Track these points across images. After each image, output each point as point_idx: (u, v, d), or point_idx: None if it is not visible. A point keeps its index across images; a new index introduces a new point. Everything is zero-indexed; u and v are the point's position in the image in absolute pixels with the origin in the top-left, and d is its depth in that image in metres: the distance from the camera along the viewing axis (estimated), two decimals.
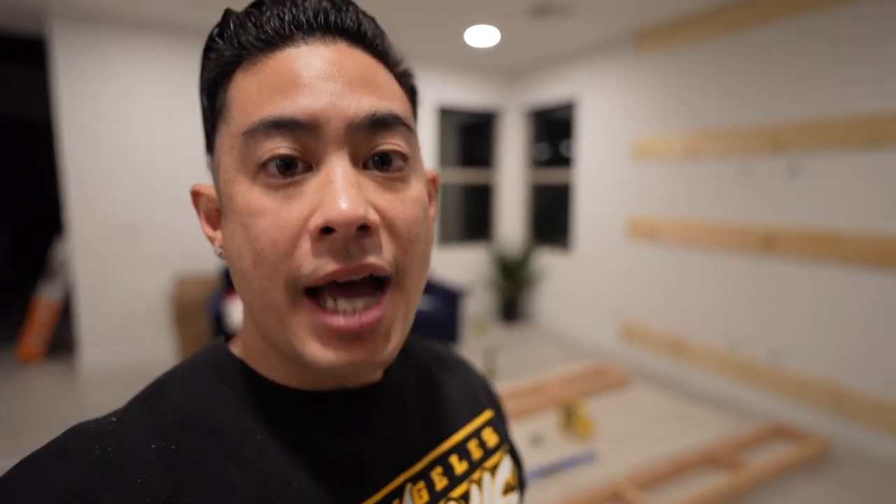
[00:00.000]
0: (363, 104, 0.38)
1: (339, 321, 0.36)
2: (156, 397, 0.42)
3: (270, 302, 0.37)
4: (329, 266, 0.36)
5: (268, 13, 0.39)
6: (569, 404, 3.02)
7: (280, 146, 0.36)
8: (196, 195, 0.45)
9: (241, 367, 0.45)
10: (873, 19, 2.80)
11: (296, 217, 0.36)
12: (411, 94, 0.47)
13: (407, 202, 0.40)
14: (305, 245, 0.36)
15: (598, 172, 4.69)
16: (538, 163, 5.71)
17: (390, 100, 0.40)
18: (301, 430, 0.42)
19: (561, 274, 5.23)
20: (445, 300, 4.36)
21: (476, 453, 0.53)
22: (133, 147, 4.00)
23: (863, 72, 2.86)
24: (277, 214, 0.36)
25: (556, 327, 5.31)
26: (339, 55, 0.39)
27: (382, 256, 0.37)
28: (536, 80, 5.39)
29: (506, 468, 0.56)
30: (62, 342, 4.41)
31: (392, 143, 0.39)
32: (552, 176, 5.42)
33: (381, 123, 0.39)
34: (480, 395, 0.61)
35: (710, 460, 2.70)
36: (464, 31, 4.13)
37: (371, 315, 0.37)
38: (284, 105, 0.36)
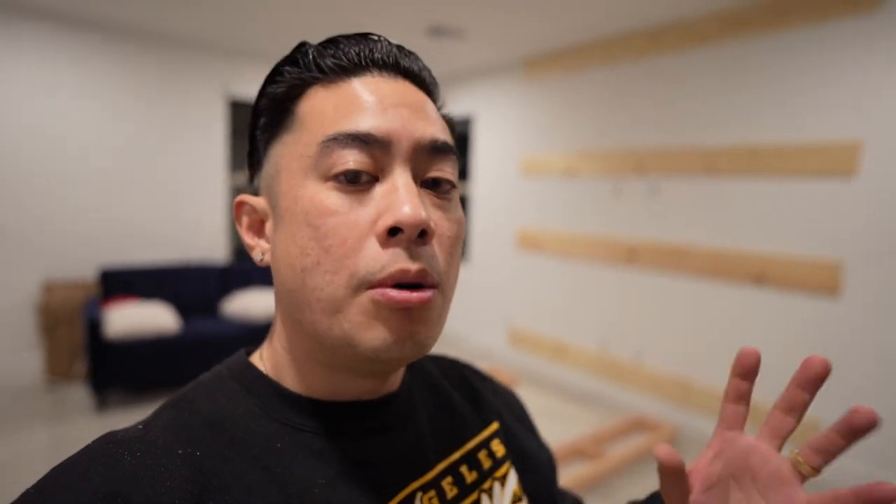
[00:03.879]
0: (427, 131, 0.43)
1: (401, 294, 0.39)
2: (182, 405, 0.45)
3: (331, 294, 0.40)
4: (395, 265, 0.39)
5: (346, 47, 0.45)
6: None
7: (354, 157, 0.40)
8: (241, 205, 0.48)
9: (263, 377, 0.47)
10: (715, 66, 3.26)
11: (364, 219, 0.40)
12: (451, 131, 0.53)
13: (453, 221, 0.45)
14: (372, 245, 0.39)
15: (491, 186, 4.97)
16: None
17: (444, 133, 0.46)
18: (320, 439, 0.45)
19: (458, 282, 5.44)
20: None
21: (486, 463, 0.55)
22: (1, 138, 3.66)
23: (705, 110, 3.32)
24: (347, 216, 0.40)
25: (451, 334, 5.52)
26: (405, 89, 0.45)
27: (434, 266, 0.41)
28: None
29: (513, 479, 0.57)
30: None
31: (445, 169, 0.45)
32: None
33: (440, 150, 0.44)
34: (488, 406, 0.62)
35: (577, 452, 2.98)
36: None
37: (426, 294, 0.40)
38: (361, 122, 0.41)
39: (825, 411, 2.87)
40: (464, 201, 5.43)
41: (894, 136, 2.59)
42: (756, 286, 3.11)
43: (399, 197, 0.39)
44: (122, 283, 3.81)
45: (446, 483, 0.50)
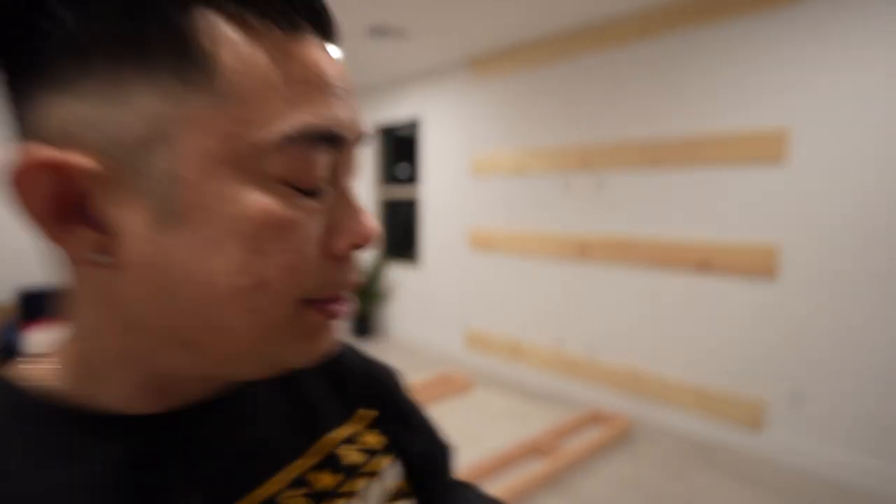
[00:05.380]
0: (365, 122, 0.37)
1: (340, 306, 0.37)
2: None
3: (273, 317, 0.33)
4: (344, 279, 0.37)
5: None
6: None
7: (324, 163, 0.33)
8: (41, 168, 0.28)
9: (45, 395, 0.35)
10: (654, 60, 3.33)
11: (317, 232, 0.34)
12: None
13: None
14: (324, 260, 0.35)
15: (442, 188, 4.93)
16: (394, 179, 5.83)
17: None
18: (124, 462, 0.34)
19: (411, 287, 5.37)
20: None
21: (353, 459, 0.47)
22: None
23: (645, 104, 3.38)
24: (303, 229, 0.33)
25: (407, 340, 5.42)
26: (338, 61, 0.36)
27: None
28: (384, 99, 5.53)
29: (394, 472, 0.50)
30: None
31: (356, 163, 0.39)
32: (403, 192, 5.57)
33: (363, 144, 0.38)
34: (359, 392, 0.53)
35: (534, 450, 2.94)
36: None
37: (347, 306, 0.38)
38: (332, 113, 0.33)
39: (769, 392, 2.96)
40: (414, 204, 5.37)
41: (820, 123, 2.69)
42: (700, 273, 3.17)
43: (357, 210, 0.36)
44: (42, 306, 3.55)
45: (291, 497, 0.41)
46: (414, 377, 4.28)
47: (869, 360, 2.58)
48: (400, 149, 5.77)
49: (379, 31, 3.76)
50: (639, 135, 3.43)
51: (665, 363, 3.38)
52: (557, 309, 4.01)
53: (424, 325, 5.24)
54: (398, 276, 5.52)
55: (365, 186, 5.86)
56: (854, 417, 2.63)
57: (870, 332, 2.57)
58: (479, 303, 4.64)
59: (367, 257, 5.88)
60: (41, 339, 3.10)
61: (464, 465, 2.78)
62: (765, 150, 2.87)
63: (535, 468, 2.65)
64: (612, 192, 3.60)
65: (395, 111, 5.39)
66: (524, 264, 4.22)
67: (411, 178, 5.54)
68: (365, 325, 5.57)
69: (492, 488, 2.56)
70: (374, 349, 5.16)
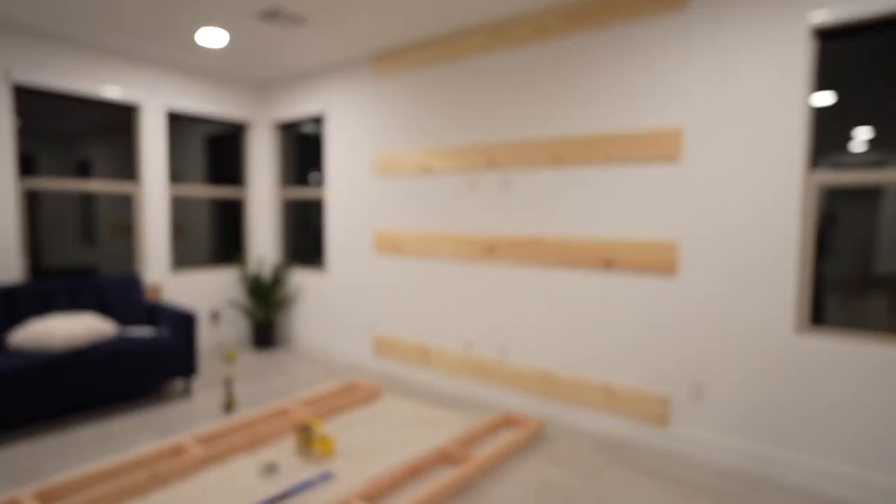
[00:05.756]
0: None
1: None
2: None
3: None
4: None
5: None
6: (303, 427, 2.81)
7: None
8: None
9: None
10: (556, 59, 3.33)
11: None
12: None
13: None
14: None
15: (346, 188, 4.68)
16: (298, 180, 5.48)
17: None
18: None
19: (316, 293, 5.04)
20: (175, 327, 3.78)
21: None
22: None
23: (549, 102, 3.37)
24: None
25: (314, 348, 5.08)
26: None
27: None
28: (286, 94, 5.20)
29: None
30: None
31: None
32: (306, 193, 5.24)
33: None
34: None
35: (443, 458, 2.77)
36: (196, 32, 3.73)
37: None
38: None
39: (672, 387, 3.02)
40: (319, 206, 5.07)
41: (710, 123, 2.79)
42: (604, 271, 3.18)
43: None
44: None
45: None
46: (320, 387, 3.98)
47: (762, 348, 2.68)
48: (307, 149, 5.44)
49: (272, 15, 3.47)
50: (541, 133, 3.42)
51: (573, 363, 3.36)
52: (465, 311, 3.90)
53: (331, 332, 4.93)
54: (303, 281, 5.17)
55: (266, 187, 5.47)
56: (752, 406, 2.72)
57: (761, 323, 2.68)
58: (386, 307, 4.43)
59: (267, 264, 5.48)
60: None
61: (370, 476, 2.54)
62: (660, 148, 2.94)
63: (444, 477, 2.48)
64: (518, 191, 3.55)
65: (297, 107, 5.08)
66: (431, 266, 4.08)
67: (318, 181, 5.23)
68: (268, 334, 5.16)
69: (400, 500, 2.35)
70: (278, 359, 4.78)
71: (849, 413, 2.46)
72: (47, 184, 4.07)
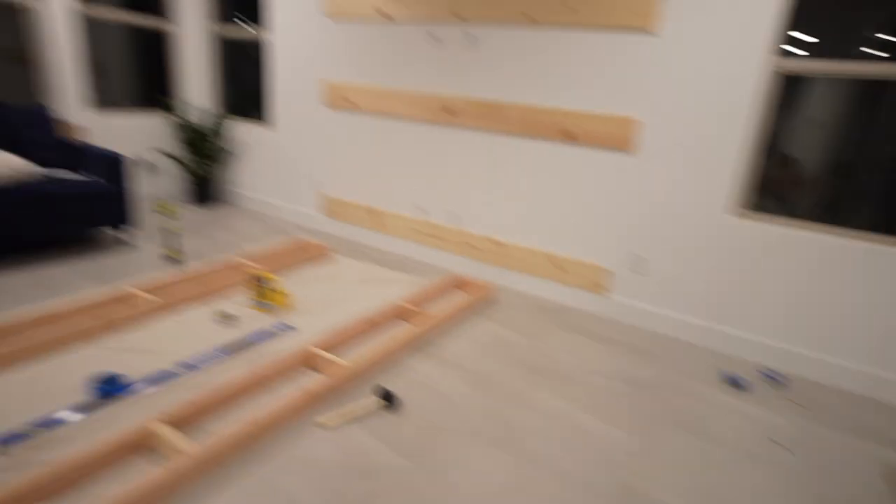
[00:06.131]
0: None
1: None
2: None
3: None
4: None
5: None
6: (258, 279, 2.79)
7: None
8: None
9: None
10: None
11: None
12: None
13: None
14: None
15: (292, 32, 4.21)
16: (239, 19, 4.83)
17: None
18: None
19: (262, 149, 4.74)
20: (103, 170, 3.46)
21: None
22: None
23: None
24: None
25: (258, 206, 4.91)
26: None
27: None
28: None
29: None
30: None
31: None
32: (246, 32, 4.67)
33: None
34: None
35: (399, 314, 2.88)
36: None
37: None
38: None
39: (613, 257, 3.21)
40: (260, 49, 4.57)
41: None
42: (565, 143, 3.18)
43: None
44: None
45: None
46: (268, 244, 3.91)
47: (701, 228, 2.87)
48: None
49: None
50: None
51: (525, 232, 3.47)
52: (420, 175, 3.83)
53: (276, 190, 4.74)
54: (246, 134, 4.81)
55: (197, 21, 4.81)
56: (689, 281, 2.98)
57: (704, 205, 2.84)
58: (337, 166, 4.27)
59: (202, 113, 5.02)
60: None
61: (328, 327, 2.63)
62: (637, 16, 2.80)
63: (400, 331, 2.60)
64: (482, 50, 3.34)
65: None
66: (385, 125, 3.89)
67: (256, 19, 4.64)
68: (207, 189, 4.88)
69: (360, 350, 2.46)
70: (220, 216, 4.59)
71: (777, 293, 2.76)
72: None
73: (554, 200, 3.30)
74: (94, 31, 4.35)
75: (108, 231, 3.86)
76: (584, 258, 3.28)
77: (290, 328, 2.63)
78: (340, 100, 4.06)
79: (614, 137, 3.01)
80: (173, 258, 3.36)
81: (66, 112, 4.12)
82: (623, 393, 2.37)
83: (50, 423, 1.75)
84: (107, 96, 4.57)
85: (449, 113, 3.55)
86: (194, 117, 4.96)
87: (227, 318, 2.64)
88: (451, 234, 3.78)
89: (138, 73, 4.90)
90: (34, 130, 3.54)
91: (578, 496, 1.69)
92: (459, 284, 3.45)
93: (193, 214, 4.58)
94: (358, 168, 4.15)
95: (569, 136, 3.14)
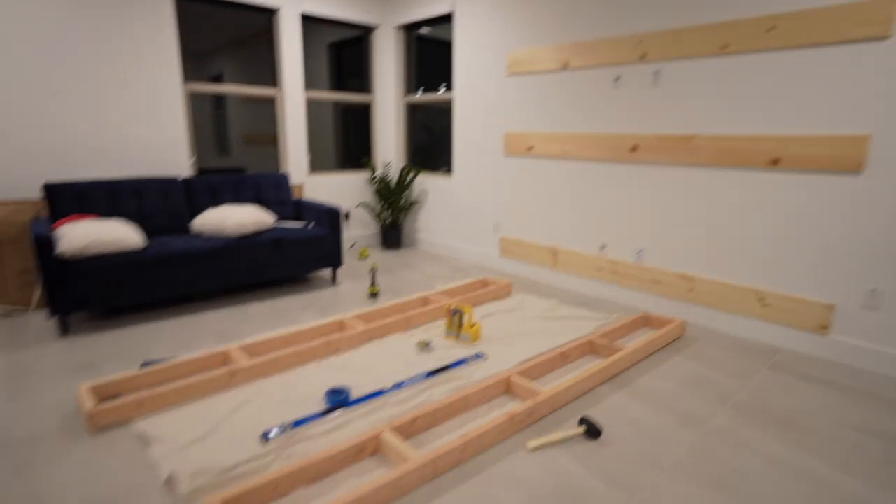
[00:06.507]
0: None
1: None
2: None
3: None
4: None
5: None
6: (455, 312, 2.98)
7: None
8: None
9: None
10: None
11: None
12: None
13: None
14: None
15: (475, 90, 4.60)
16: (418, 85, 5.47)
17: None
18: None
19: (443, 197, 5.16)
20: (324, 222, 4.07)
21: None
22: None
23: None
24: None
25: (439, 249, 5.29)
26: None
27: None
28: None
29: None
30: None
31: None
32: (433, 97, 5.23)
33: None
34: None
35: (589, 348, 2.84)
36: None
37: None
38: None
39: (837, 292, 2.76)
40: (447, 108, 5.05)
41: None
42: (768, 170, 2.92)
43: None
44: (73, 201, 3.40)
45: None
46: (453, 282, 4.18)
47: None
48: (427, 52, 5.36)
49: None
50: (705, 19, 3.07)
51: (719, 267, 3.21)
52: (600, 213, 3.81)
53: (458, 234, 5.08)
54: (430, 185, 5.30)
55: (391, 91, 5.52)
56: None
57: None
58: (515, 209, 4.45)
59: (392, 168, 5.65)
60: (72, 228, 2.96)
61: (519, 358, 2.69)
62: (861, 26, 2.53)
63: (593, 364, 2.55)
64: (668, 85, 3.29)
65: (424, 8, 4.95)
66: (565, 167, 3.98)
67: (447, 86, 5.18)
68: (395, 235, 5.43)
69: (554, 380, 2.48)
70: (406, 258, 5.04)
71: None
72: (205, 88, 4.38)
73: (755, 230, 3.03)
74: (309, 109, 5.24)
75: (323, 272, 4.49)
76: (795, 293, 2.91)
77: (483, 357, 2.75)
78: (520, 147, 4.28)
79: (834, 159, 2.69)
80: (374, 294, 3.77)
81: (293, 175, 4.97)
82: (856, 442, 2.01)
83: (298, 423, 2.05)
84: (315, 162, 5.41)
85: (632, 150, 3.52)
86: (385, 172, 5.61)
87: (425, 347, 2.86)
88: (632, 270, 3.66)
89: (338, 140, 5.75)
90: (273, 190, 4.34)
91: None
92: (647, 321, 3.30)
93: (382, 257, 5.11)
94: (536, 209, 4.28)
95: (774, 161, 2.90)
